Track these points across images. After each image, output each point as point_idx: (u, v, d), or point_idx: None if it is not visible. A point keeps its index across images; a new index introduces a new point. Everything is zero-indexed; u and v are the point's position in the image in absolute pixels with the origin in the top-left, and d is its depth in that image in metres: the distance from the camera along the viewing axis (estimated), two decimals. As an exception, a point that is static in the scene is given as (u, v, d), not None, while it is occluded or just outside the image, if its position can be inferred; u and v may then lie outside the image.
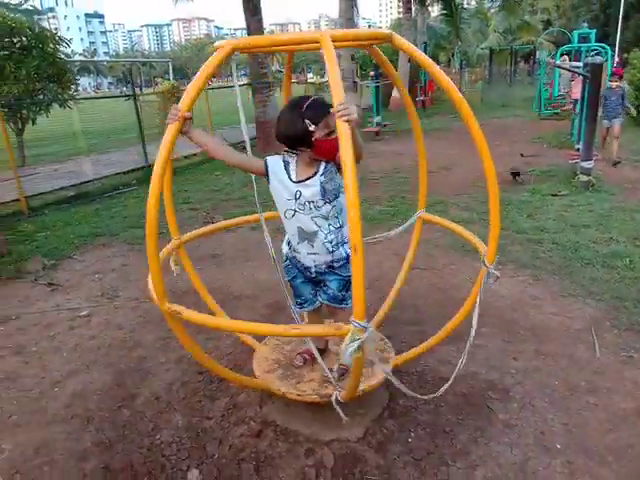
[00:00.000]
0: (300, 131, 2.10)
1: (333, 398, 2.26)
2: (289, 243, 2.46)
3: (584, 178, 6.71)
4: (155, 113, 11.61)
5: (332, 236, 2.29)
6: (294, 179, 2.24)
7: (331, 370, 2.50)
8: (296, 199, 2.23)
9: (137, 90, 10.74)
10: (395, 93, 20.13)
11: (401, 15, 24.65)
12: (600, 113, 7.85)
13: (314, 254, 2.35)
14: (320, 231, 2.27)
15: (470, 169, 8.47)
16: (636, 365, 3.02)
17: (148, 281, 2.20)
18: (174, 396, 2.93)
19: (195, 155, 10.35)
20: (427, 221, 3.17)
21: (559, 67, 9.45)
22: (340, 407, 2.26)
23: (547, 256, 4.67)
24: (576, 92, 9.69)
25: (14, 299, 4.32)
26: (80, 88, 12.74)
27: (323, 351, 2.76)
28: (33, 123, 10.71)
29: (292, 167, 2.25)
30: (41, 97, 10.56)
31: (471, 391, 2.87)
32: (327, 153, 2.15)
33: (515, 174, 7.66)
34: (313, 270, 2.41)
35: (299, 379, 2.60)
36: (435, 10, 33.14)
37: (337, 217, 2.29)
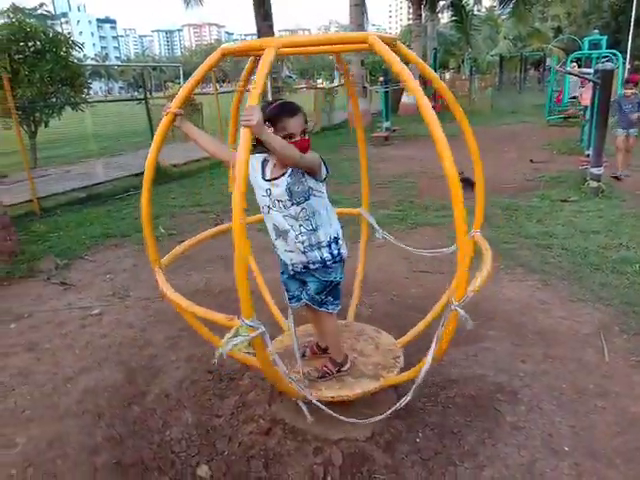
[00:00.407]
0: None
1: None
2: None
3: (594, 184, 6.69)
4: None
5: (304, 237, 2.31)
6: (267, 177, 2.31)
7: (313, 370, 2.62)
8: (269, 196, 2.29)
9: (148, 94, 10.81)
10: (404, 99, 20.17)
11: (411, 22, 24.74)
12: (611, 121, 7.63)
13: (290, 252, 2.39)
14: (292, 230, 2.32)
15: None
16: (645, 370, 3.02)
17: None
18: (184, 394, 2.96)
19: (196, 161, 10.45)
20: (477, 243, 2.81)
21: (569, 73, 9.43)
22: (307, 406, 2.37)
23: (556, 261, 4.67)
24: (586, 98, 9.66)
25: (27, 298, 4.38)
26: (92, 92, 12.89)
27: (325, 350, 2.80)
28: (46, 125, 10.85)
29: (269, 166, 2.33)
30: (54, 100, 10.69)
31: (479, 393, 2.87)
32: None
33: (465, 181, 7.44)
34: (290, 268, 2.45)
35: (289, 369, 2.64)
36: (445, 17, 33.20)
37: (309, 220, 2.30)
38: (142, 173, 9.13)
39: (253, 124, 1.85)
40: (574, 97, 12.82)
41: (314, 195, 2.29)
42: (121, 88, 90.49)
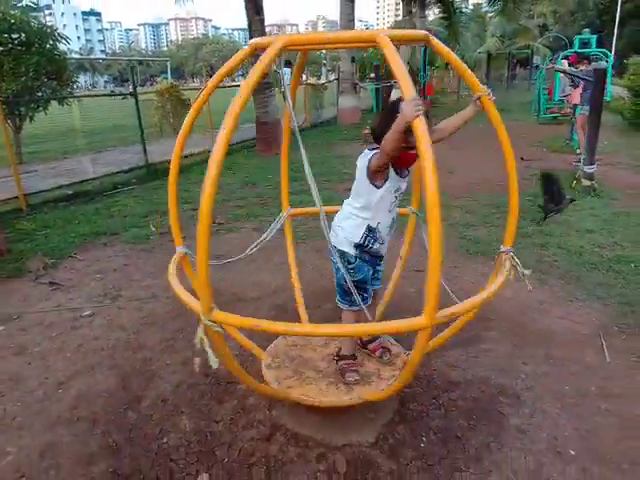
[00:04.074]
0: None
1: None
2: (366, 241, 2.48)
3: (586, 183, 6.70)
4: (153, 112, 11.54)
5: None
6: (402, 174, 2.45)
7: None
8: (396, 192, 2.44)
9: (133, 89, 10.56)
10: (393, 96, 20.09)
11: (399, 18, 24.70)
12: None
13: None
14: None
15: (471, 173, 8.46)
16: (647, 370, 3.01)
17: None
18: (181, 398, 2.89)
19: (185, 157, 10.26)
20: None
21: (562, 72, 9.43)
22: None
23: (552, 260, 4.65)
24: (575, 97, 9.69)
25: (15, 299, 4.26)
26: (76, 86, 12.60)
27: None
28: (31, 120, 10.61)
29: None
30: (40, 94, 10.46)
31: (482, 396, 2.84)
32: None
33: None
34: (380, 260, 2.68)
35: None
36: (431, 14, 33.15)
37: None
38: (131, 170, 8.97)
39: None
40: (564, 96, 12.89)
41: None
42: (106, 82, 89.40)
